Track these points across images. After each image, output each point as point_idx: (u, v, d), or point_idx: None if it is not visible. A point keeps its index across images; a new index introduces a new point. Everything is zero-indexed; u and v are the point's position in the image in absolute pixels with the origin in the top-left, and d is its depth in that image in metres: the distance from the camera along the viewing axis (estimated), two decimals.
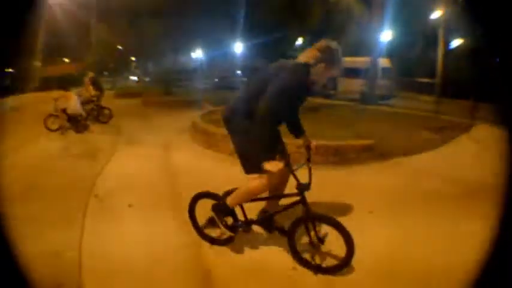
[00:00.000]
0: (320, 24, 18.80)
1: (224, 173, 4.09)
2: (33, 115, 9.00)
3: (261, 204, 2.67)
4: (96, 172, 4.67)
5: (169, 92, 16.77)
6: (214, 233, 2.70)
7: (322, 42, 2.32)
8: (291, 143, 2.98)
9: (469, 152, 5.48)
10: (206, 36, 18.93)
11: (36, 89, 18.66)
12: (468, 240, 2.25)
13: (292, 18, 19.64)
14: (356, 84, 14.25)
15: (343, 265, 2.26)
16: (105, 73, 27.26)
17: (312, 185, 2.33)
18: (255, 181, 2.29)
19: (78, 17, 17.89)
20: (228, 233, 2.52)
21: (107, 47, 21.20)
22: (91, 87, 9.06)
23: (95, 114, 8.97)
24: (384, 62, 14.97)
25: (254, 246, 2.66)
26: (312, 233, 2.36)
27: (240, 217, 2.58)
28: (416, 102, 13.86)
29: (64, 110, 7.71)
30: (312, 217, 2.31)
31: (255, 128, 2.15)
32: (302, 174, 2.35)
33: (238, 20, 18.71)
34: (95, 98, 9.01)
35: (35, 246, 2.37)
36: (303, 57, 2.31)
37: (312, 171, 2.38)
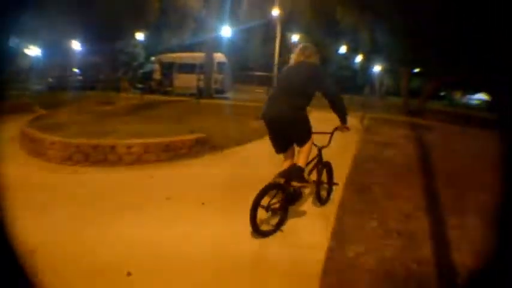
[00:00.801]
0: (157, 20, 18.48)
1: None
2: None
3: None
4: None
5: None
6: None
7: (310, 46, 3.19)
8: None
9: None
10: (42, 34, 15.98)
11: None
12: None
13: (128, 14, 18.66)
14: (192, 80, 14.57)
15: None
16: None
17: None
18: (307, 144, 3.04)
19: None
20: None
21: None
22: None
23: None
24: (219, 57, 15.67)
25: None
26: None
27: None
28: (253, 95, 15.14)
29: None
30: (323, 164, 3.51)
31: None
32: None
33: (75, 16, 16.39)
34: None
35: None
36: (307, 58, 3.07)
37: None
